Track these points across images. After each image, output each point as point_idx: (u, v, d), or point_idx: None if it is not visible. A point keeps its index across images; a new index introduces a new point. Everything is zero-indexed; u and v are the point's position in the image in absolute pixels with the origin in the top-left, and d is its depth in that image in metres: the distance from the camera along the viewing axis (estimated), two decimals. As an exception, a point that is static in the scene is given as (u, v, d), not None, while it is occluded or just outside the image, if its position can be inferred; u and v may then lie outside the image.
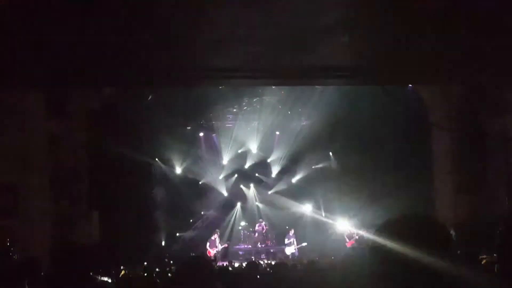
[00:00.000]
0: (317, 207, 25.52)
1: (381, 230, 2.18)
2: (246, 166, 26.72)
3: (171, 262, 20.18)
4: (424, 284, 2.02)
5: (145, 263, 19.43)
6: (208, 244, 23.26)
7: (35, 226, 16.63)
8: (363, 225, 21.89)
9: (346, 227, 23.18)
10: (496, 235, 4.20)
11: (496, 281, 4.10)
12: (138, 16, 7.21)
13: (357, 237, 21.52)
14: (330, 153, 25.52)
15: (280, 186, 26.55)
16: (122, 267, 15.43)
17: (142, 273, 16.19)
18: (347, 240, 22.03)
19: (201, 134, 25.75)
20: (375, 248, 2.16)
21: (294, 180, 26.47)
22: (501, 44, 8.84)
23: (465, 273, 2.13)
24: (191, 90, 20.36)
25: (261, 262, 18.55)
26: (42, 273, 6.67)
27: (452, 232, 18.04)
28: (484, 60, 9.80)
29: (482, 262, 6.98)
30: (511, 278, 4.02)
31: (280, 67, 9.20)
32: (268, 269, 11.84)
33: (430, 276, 2.01)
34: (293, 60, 9.15)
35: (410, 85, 18.98)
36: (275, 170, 26.73)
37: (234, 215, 26.55)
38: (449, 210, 20.47)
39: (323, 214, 25.33)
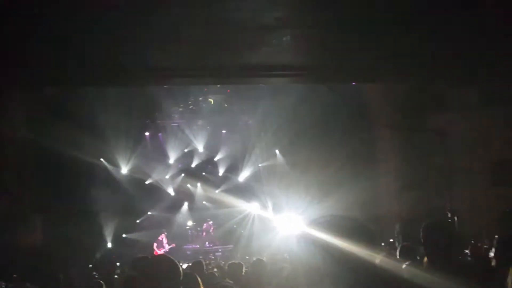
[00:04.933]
0: (265, 205, 25.62)
1: (311, 224, 2.35)
2: (193, 165, 26.59)
3: (118, 264, 19.92)
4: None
5: (90, 265, 19.14)
6: (155, 244, 23.04)
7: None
8: (310, 222, 22.01)
9: (295, 224, 23.30)
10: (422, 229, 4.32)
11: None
12: (83, 15, 7.05)
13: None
14: (277, 151, 25.61)
15: (227, 185, 26.49)
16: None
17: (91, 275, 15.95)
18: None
19: (147, 133, 25.49)
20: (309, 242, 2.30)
21: (241, 178, 26.47)
22: (446, 44, 9.01)
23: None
24: (136, 89, 20.12)
25: (207, 262, 18.49)
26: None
27: (397, 227, 18.38)
28: (423, 60, 9.99)
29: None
30: (436, 268, 4.14)
31: (222, 65, 9.16)
32: (215, 269, 11.79)
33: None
34: (236, 59, 9.12)
35: (353, 83, 19.20)
36: (222, 169, 26.68)
37: (182, 214, 26.36)
38: (394, 206, 20.84)
39: (271, 212, 25.47)
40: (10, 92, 18.65)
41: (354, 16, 7.48)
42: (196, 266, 9.15)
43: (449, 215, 14.29)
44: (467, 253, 12.27)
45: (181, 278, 3.99)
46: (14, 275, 14.00)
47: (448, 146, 14.10)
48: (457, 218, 15.37)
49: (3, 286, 11.69)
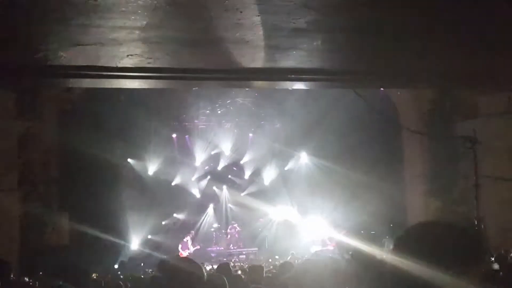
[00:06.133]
0: (290, 209, 25.61)
1: (400, 243, 2.04)
2: (219, 167, 26.68)
3: (142, 264, 20.08)
4: None
5: (116, 266, 19.34)
6: (180, 246, 23.16)
7: (3, 228, 16.40)
8: (336, 226, 22.03)
9: (320, 228, 23.27)
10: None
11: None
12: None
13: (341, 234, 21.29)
14: (303, 154, 25.65)
15: (253, 188, 26.54)
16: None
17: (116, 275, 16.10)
18: (329, 242, 22.10)
19: (174, 135, 25.64)
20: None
21: (267, 181, 26.49)
22: (469, 49, 8.96)
23: None
24: (164, 91, 20.25)
25: (232, 264, 18.54)
26: (12, 276, 6.58)
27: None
28: (453, 65, 9.94)
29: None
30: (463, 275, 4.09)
31: (251, 68, 9.19)
32: (239, 271, 11.81)
33: None
34: (265, 62, 9.15)
35: (381, 89, 19.14)
36: (248, 172, 26.73)
37: (207, 217, 26.45)
38: (420, 213, 20.70)
39: (296, 216, 25.45)
40: (39, 92, 18.90)
41: (385, 20, 7.47)
42: (223, 268, 9.15)
43: (476, 222, 14.12)
44: (493, 260, 12.14)
45: (205, 279, 4.03)
46: (40, 273, 14.20)
47: (476, 152, 13.93)
48: (484, 225, 15.19)
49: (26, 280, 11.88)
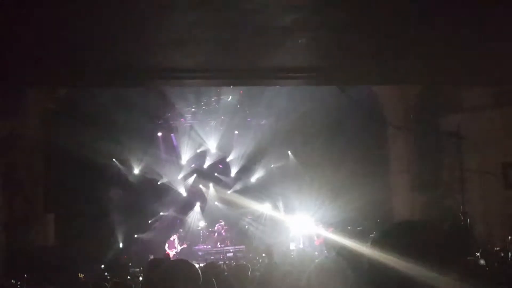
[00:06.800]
0: (276, 206, 25.62)
1: (377, 241, 2.03)
2: (205, 165, 26.61)
3: (129, 264, 19.99)
4: None
5: (102, 266, 19.24)
6: (167, 245, 23.10)
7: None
8: (323, 223, 22.07)
9: (307, 225, 23.29)
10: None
11: None
12: (96, 14, 7.10)
13: (328, 231, 21.29)
14: (289, 152, 25.65)
15: (240, 186, 26.50)
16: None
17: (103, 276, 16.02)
18: (316, 238, 22.13)
19: (159, 134, 25.55)
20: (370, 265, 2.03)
21: (253, 179, 26.48)
22: (456, 43, 9.01)
23: None
24: (149, 90, 20.19)
25: (221, 263, 18.51)
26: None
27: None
28: (438, 60, 9.99)
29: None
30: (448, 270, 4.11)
31: (237, 67, 9.19)
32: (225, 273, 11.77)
33: None
34: (251, 61, 9.16)
35: (366, 85, 19.18)
36: (234, 170, 26.69)
37: (194, 215, 26.39)
38: (406, 208, 20.82)
39: (283, 213, 25.45)
40: (24, 92, 18.78)
41: (367, 18, 7.50)
42: (210, 267, 9.09)
43: (461, 218, 14.23)
44: (478, 256, 12.20)
45: (201, 281, 4.00)
46: (25, 275, 14.11)
47: (460, 147, 14.06)
48: (469, 220, 15.31)
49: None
